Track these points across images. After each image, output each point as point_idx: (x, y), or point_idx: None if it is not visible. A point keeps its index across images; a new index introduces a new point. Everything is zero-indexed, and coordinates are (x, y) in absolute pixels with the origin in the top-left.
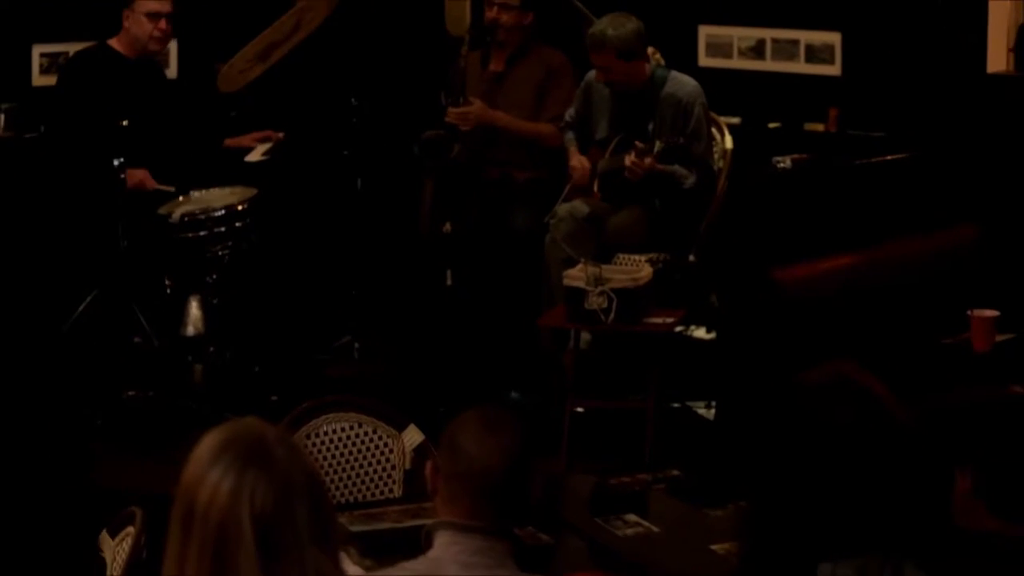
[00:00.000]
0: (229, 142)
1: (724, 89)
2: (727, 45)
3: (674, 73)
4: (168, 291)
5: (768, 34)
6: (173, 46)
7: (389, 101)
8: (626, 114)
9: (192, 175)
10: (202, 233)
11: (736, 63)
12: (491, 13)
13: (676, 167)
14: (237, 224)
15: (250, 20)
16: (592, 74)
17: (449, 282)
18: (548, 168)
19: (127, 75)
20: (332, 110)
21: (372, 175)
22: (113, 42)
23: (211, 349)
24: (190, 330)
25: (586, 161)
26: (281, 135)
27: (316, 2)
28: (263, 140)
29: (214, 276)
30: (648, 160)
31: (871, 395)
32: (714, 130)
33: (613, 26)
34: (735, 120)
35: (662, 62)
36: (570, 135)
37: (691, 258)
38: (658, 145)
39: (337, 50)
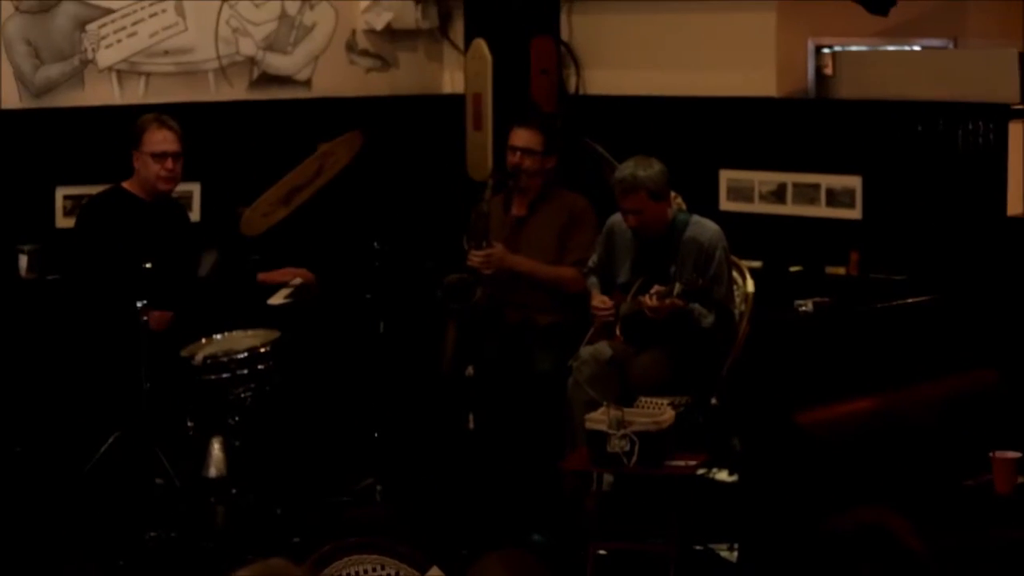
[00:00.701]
0: (263, 276)
1: (745, 232)
2: (748, 189)
3: (696, 217)
4: (190, 433)
5: (789, 178)
6: (196, 189)
7: (411, 245)
8: (648, 258)
9: (214, 316)
10: (224, 375)
11: (757, 207)
12: (513, 158)
13: (696, 306)
14: (259, 367)
15: (273, 165)
16: (615, 218)
17: (471, 425)
18: (570, 311)
19: (145, 216)
20: (355, 254)
21: (395, 318)
22: (127, 184)
23: (233, 491)
24: (212, 472)
25: (608, 302)
26: (311, 275)
27: (338, 147)
28: (293, 281)
29: (236, 418)
30: (669, 301)
31: (904, 548)
32: (736, 274)
33: (642, 167)
34: (757, 264)
35: (684, 206)
36: (593, 279)
37: (713, 401)
38: (678, 287)
39: (359, 194)
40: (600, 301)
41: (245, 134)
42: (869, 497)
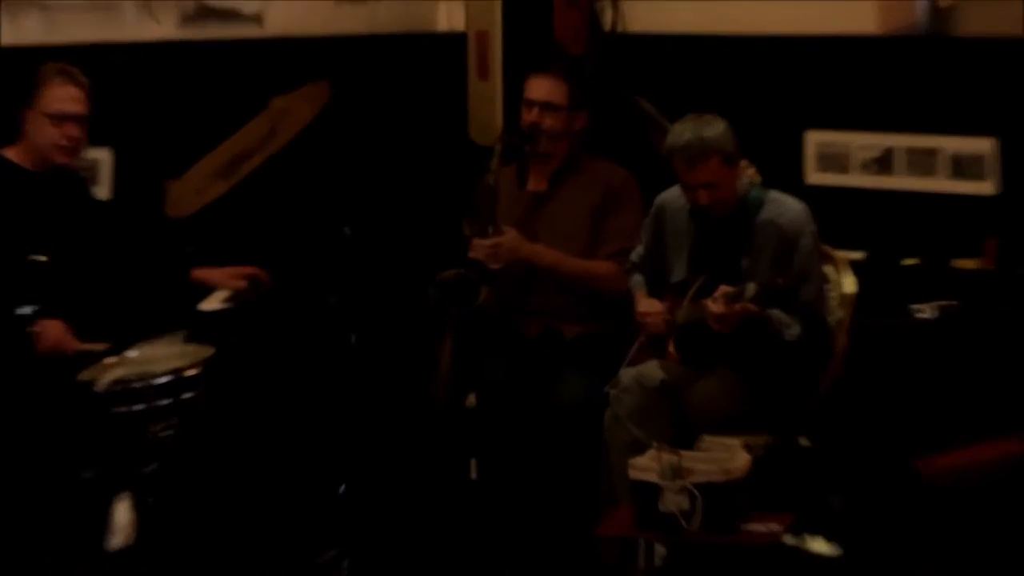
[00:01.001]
0: (200, 275)
1: (842, 214)
2: (843, 156)
3: (774, 194)
4: (89, 486)
5: (897, 141)
6: (106, 157)
7: (394, 231)
8: (711, 248)
9: (128, 327)
10: (138, 407)
11: (856, 179)
12: (530, 115)
13: (777, 314)
14: (186, 395)
15: (211, 125)
16: (667, 196)
17: (474, 475)
18: (606, 320)
19: (33, 193)
20: (319, 243)
21: (371, 329)
22: (9, 151)
23: (145, 568)
24: (117, 541)
25: (658, 306)
26: (266, 276)
27: (297, 102)
28: (242, 281)
29: (152, 466)
30: (739, 306)
31: None
32: (829, 268)
33: (705, 127)
34: (858, 255)
35: (757, 179)
36: (637, 277)
37: (802, 442)
38: (751, 288)
39: (325, 164)
40: (647, 306)
41: (174, 85)
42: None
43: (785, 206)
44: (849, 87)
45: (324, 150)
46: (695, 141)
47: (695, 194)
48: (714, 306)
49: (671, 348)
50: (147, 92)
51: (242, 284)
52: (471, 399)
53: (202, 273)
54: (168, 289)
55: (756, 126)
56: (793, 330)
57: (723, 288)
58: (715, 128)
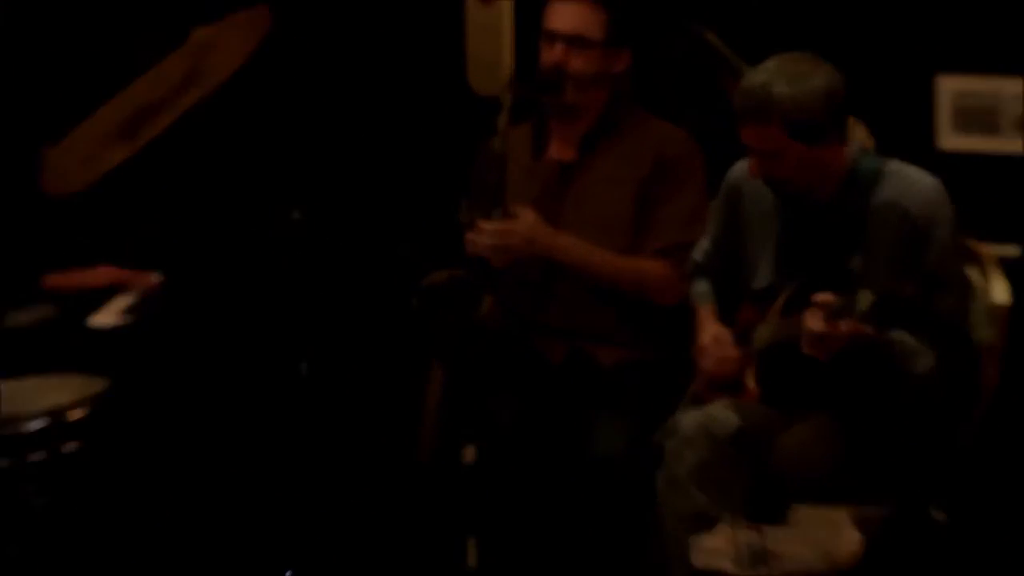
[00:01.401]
0: (55, 281)
1: (990, 193)
2: (991, 109)
3: (895, 165)
4: None
5: None
6: None
7: (362, 218)
8: (808, 242)
9: None
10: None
11: (1009, 143)
12: (552, 53)
13: (901, 336)
14: (66, 447)
15: (102, 68)
16: (740, 169)
17: (472, 561)
18: (656, 342)
19: None
20: (255, 234)
21: (328, 356)
22: None
23: None
24: None
25: (729, 345)
26: (156, 280)
27: (225, 35)
28: (121, 289)
29: (17, 544)
30: (846, 324)
31: None
32: (973, 271)
33: (787, 78)
34: (1013, 251)
35: (871, 145)
36: (702, 286)
37: (935, 514)
38: (865, 299)
39: (266, 122)
40: (713, 334)
41: (51, 13)
42: None
43: (911, 183)
44: (997, 18)
45: (264, 102)
46: (757, 91)
47: (751, 164)
48: (812, 323)
49: (750, 382)
50: (12, 24)
51: (146, 286)
52: (469, 453)
53: (61, 279)
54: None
55: (868, 69)
56: (923, 359)
57: (824, 298)
58: (800, 83)
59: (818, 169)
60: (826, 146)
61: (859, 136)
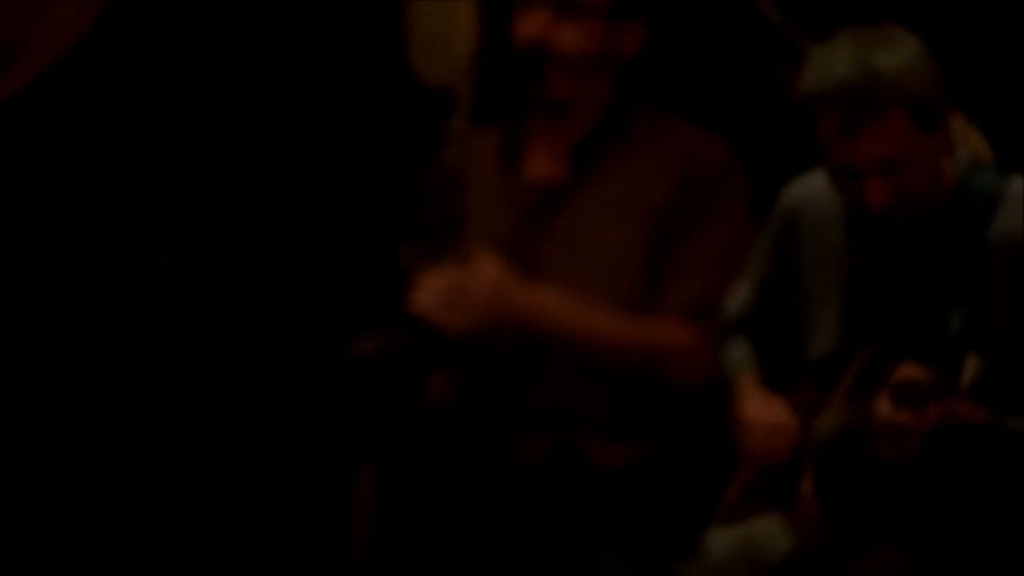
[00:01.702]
0: None
1: None
2: None
3: (1021, 183)
4: None
5: None
6: None
7: (259, 259)
8: (890, 290)
9: None
10: None
11: None
12: (531, 24)
13: (1019, 420)
14: None
15: None
16: (803, 193)
17: None
18: (673, 435)
19: None
20: (103, 278)
21: (214, 453)
22: None
23: None
24: None
25: (781, 411)
26: None
27: None
28: None
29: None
30: (937, 408)
31: None
32: None
33: (881, 51)
34: None
35: (982, 153)
36: (740, 349)
37: None
38: (972, 368)
39: (117, 120)
40: (762, 396)
41: None
42: None
43: None
44: None
45: (113, 90)
46: (858, 77)
47: (861, 185)
48: (886, 409)
49: (806, 490)
50: None
51: None
52: None
53: None
54: None
55: (975, 54)
56: None
57: (907, 372)
58: (899, 53)
59: (936, 174)
60: (940, 133)
61: (971, 145)
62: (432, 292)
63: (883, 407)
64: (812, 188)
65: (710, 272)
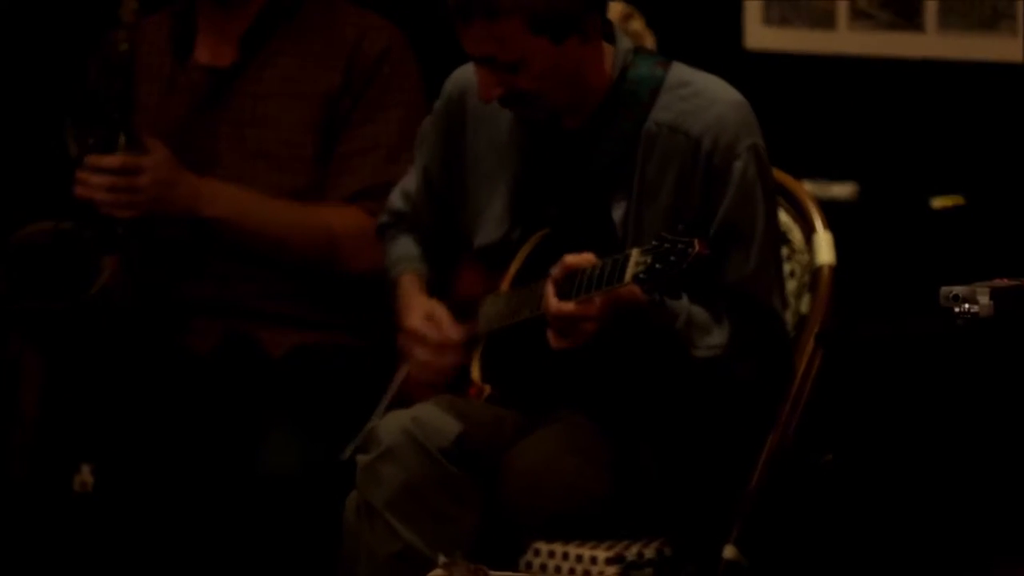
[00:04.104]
0: None
1: (816, 111)
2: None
3: (680, 72)
4: None
5: None
6: None
7: None
8: (555, 181)
9: None
10: None
11: (844, 40)
12: None
13: (683, 307)
14: None
15: None
16: (465, 75)
17: None
18: (344, 321)
19: None
20: None
21: None
22: None
23: None
24: None
25: (444, 314)
26: None
27: None
28: None
29: None
30: (603, 297)
31: None
32: (785, 215)
33: None
34: (845, 190)
35: (650, 43)
36: (406, 244)
37: (729, 554)
38: (637, 259)
39: None
40: (427, 304)
41: None
42: None
43: (703, 99)
44: None
45: None
46: None
47: (481, 85)
48: (554, 301)
49: (476, 372)
50: None
51: None
52: (84, 475)
53: None
54: None
55: None
56: (713, 338)
57: (573, 260)
58: None
59: (573, 78)
60: (581, 42)
61: (634, 30)
62: (100, 176)
63: (550, 298)
64: (472, 77)
65: (381, 158)
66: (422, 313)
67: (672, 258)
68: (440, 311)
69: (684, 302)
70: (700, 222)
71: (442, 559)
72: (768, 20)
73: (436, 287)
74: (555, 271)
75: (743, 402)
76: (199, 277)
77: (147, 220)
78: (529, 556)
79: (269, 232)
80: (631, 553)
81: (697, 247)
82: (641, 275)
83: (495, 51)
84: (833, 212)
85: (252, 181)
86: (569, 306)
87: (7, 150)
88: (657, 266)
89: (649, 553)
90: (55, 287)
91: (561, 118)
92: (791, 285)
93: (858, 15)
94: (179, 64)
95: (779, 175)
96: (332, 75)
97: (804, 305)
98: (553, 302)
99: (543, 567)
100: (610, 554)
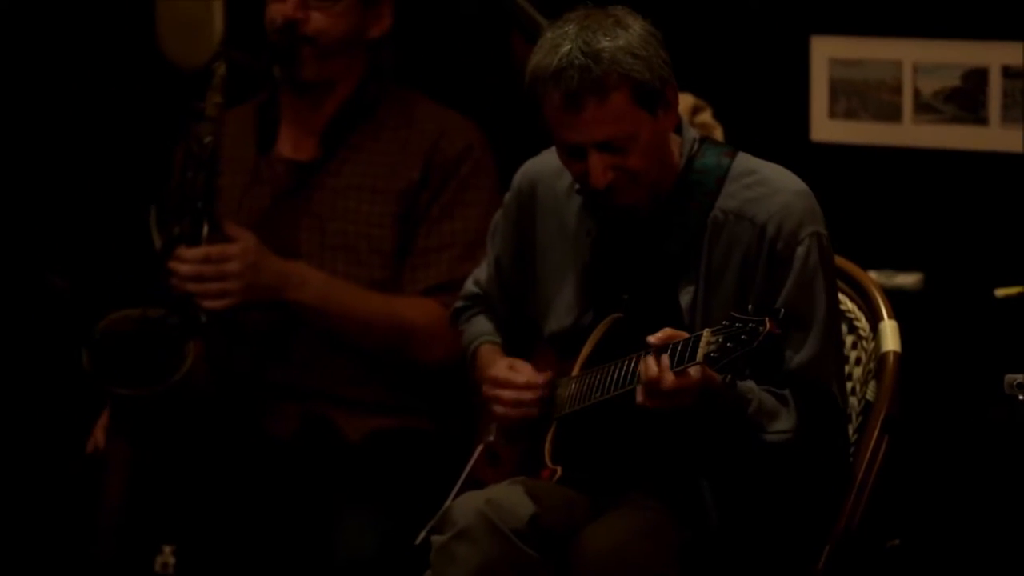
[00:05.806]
0: None
1: (882, 202)
2: (883, 87)
3: (746, 162)
4: None
5: (995, 57)
6: None
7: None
8: (623, 268)
9: None
10: None
11: (911, 133)
12: (283, 8)
13: (750, 389)
14: None
15: None
16: (540, 170)
17: None
18: (419, 407)
19: None
20: None
21: None
22: None
23: None
24: None
25: (530, 371)
26: None
27: None
28: None
29: None
30: (697, 371)
31: None
32: (851, 303)
33: (603, 34)
34: (910, 279)
35: (718, 135)
36: (481, 324)
37: None
38: (708, 338)
39: None
40: (508, 371)
41: None
42: None
43: (770, 185)
44: None
45: None
46: (580, 58)
47: (587, 167)
48: (653, 370)
49: (547, 455)
50: None
51: None
52: (166, 556)
53: None
54: None
55: (714, 33)
56: (781, 423)
57: (668, 333)
58: (621, 36)
59: (663, 156)
60: (665, 114)
61: (701, 123)
62: (189, 266)
63: (650, 368)
64: (546, 166)
65: (458, 254)
66: (505, 365)
67: (743, 337)
68: (522, 363)
69: (753, 385)
70: (765, 305)
71: None
72: (834, 113)
73: None
74: (653, 344)
75: (809, 487)
76: (280, 362)
77: (230, 307)
78: None
79: (351, 319)
80: None
81: (768, 326)
82: (713, 353)
83: (611, 131)
84: (899, 301)
85: (331, 272)
86: (668, 378)
87: (92, 237)
88: (728, 345)
89: None
90: (140, 373)
91: (640, 207)
92: (857, 372)
93: (923, 108)
94: (262, 156)
95: (846, 264)
96: (411, 172)
97: (870, 392)
98: (653, 368)
99: None
100: None
